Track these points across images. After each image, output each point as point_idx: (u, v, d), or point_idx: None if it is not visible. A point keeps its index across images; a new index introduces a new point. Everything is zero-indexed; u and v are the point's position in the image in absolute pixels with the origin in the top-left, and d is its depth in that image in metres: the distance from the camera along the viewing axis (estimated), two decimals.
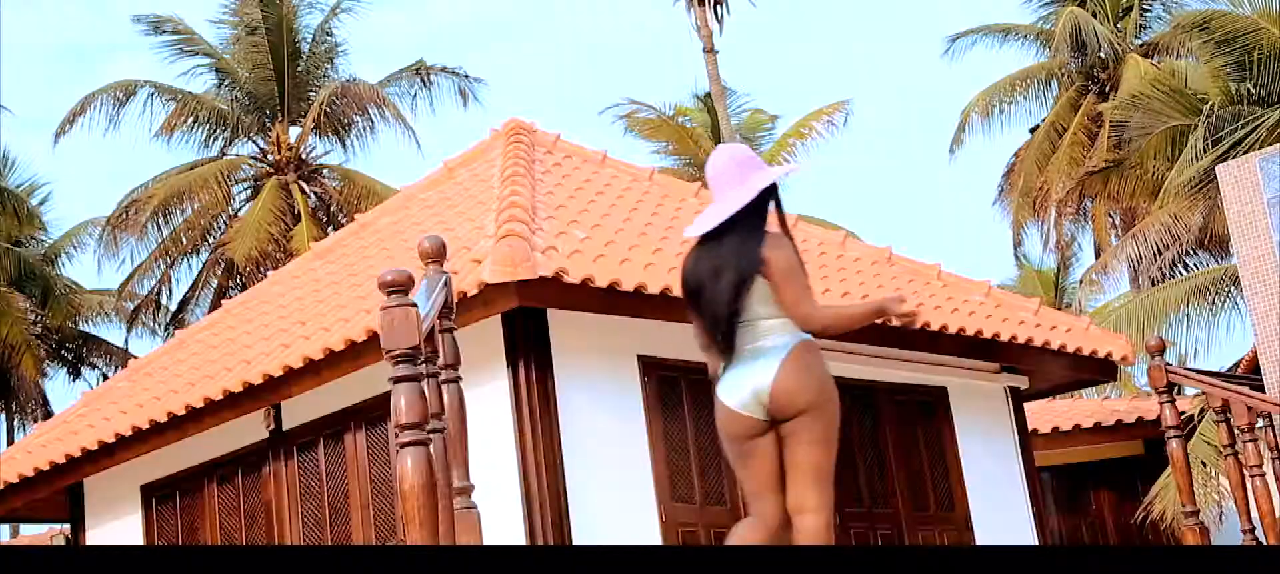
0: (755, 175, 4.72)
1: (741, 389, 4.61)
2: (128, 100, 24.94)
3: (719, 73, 26.55)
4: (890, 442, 10.21)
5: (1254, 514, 7.59)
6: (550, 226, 8.69)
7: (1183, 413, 7.79)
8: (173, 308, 25.83)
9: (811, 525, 4.63)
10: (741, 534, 4.72)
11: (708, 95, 27.73)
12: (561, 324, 8.35)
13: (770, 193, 4.78)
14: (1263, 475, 7.55)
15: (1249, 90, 15.20)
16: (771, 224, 4.79)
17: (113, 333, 27.98)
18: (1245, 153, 12.36)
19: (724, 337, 4.64)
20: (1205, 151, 15.24)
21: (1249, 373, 14.04)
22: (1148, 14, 25.52)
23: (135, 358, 13.06)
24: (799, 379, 4.55)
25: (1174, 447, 7.50)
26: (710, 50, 26.40)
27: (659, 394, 8.82)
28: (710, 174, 4.81)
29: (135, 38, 45.28)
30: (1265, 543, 7.48)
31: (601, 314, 8.34)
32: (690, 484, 8.81)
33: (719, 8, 26.69)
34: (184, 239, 25.34)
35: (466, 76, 26.20)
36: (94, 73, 72.65)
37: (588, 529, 8.02)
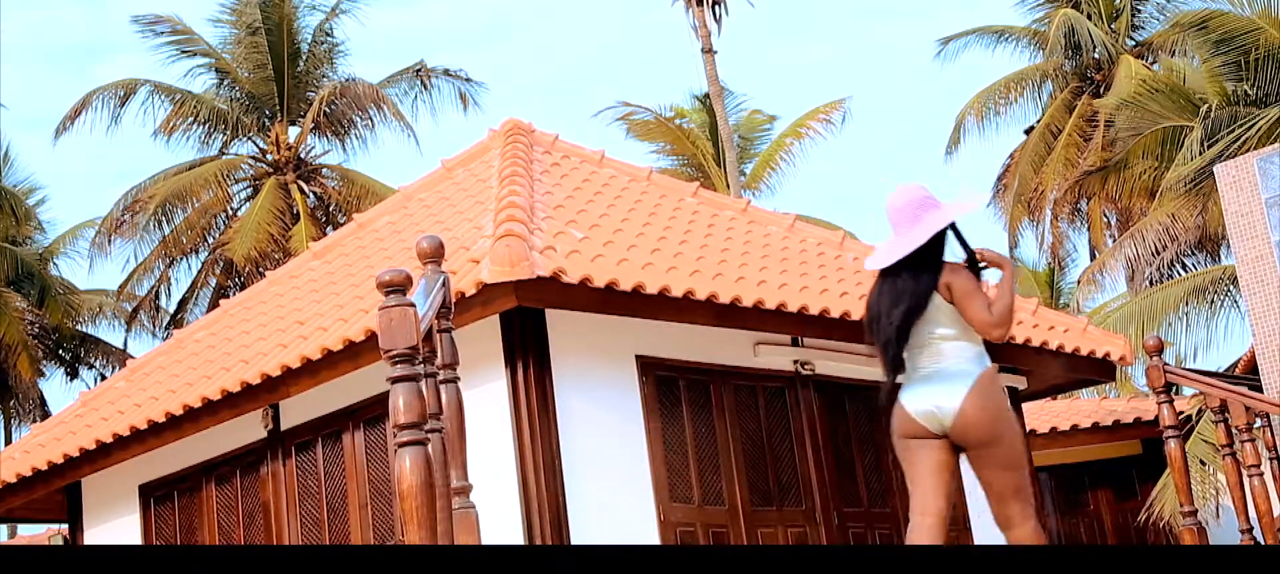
0: (929, 214, 5.24)
1: (923, 401, 5.18)
2: (128, 99, 24.95)
3: (717, 73, 26.55)
4: (888, 441, 10.20)
5: (1252, 514, 7.59)
6: (548, 226, 8.69)
7: (1181, 413, 7.78)
8: (171, 308, 25.83)
9: (1020, 535, 5.20)
10: (909, 536, 5.30)
11: (706, 95, 27.73)
12: (560, 324, 8.35)
13: (946, 227, 5.29)
14: (1260, 475, 7.55)
15: (1247, 91, 15.20)
16: (950, 254, 5.34)
17: (111, 333, 27.98)
18: (1243, 153, 12.36)
19: (893, 358, 5.21)
20: (1202, 152, 15.24)
21: (1247, 373, 14.05)
22: (1140, 15, 25.56)
23: (133, 358, 13.05)
24: (978, 414, 5.09)
25: (1172, 447, 7.50)
26: (708, 50, 26.39)
27: (657, 394, 8.82)
28: (890, 212, 5.33)
29: (134, 38, 45.26)
30: (1263, 543, 7.49)
31: (599, 314, 8.34)
32: (688, 484, 8.81)
33: (717, 8, 26.67)
34: (183, 239, 25.33)
35: (468, 80, 26.19)
36: (92, 73, 72.64)
37: (586, 529, 8.02)
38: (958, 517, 10.49)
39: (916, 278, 5.20)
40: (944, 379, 5.14)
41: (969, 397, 5.07)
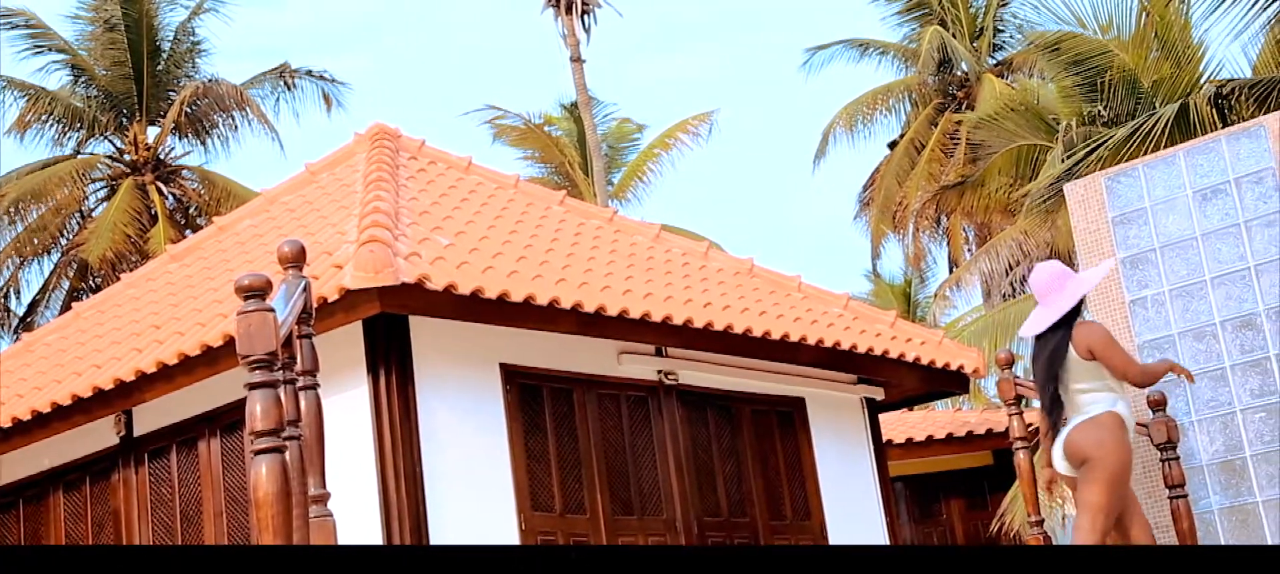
0: (1070, 283, 6.42)
1: (1057, 454, 6.28)
2: None
3: (586, 82, 26.62)
4: (749, 451, 10.34)
5: None
6: (413, 232, 8.65)
7: (1029, 425, 8.01)
8: (21, 310, 25.04)
9: (1078, 536, 6.12)
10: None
11: (574, 104, 27.79)
12: (423, 331, 8.31)
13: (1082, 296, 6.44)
14: None
15: (1100, 111, 15.67)
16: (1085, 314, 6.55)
17: None
18: (1092, 172, 12.76)
19: (1048, 409, 6.33)
20: (1059, 169, 15.67)
21: None
22: (1001, 34, 26.28)
23: None
24: (1084, 435, 6.06)
25: (1021, 457, 7.70)
26: (577, 59, 26.45)
27: (520, 402, 8.82)
28: (1035, 285, 6.53)
29: None
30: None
31: (464, 321, 8.32)
32: (550, 493, 8.83)
33: (586, 17, 26.75)
34: (35, 239, 24.57)
35: (332, 80, 25.85)
36: None
37: (446, 537, 7.99)
38: (814, 524, 10.68)
39: (1056, 336, 6.36)
40: (1073, 424, 6.21)
41: (1078, 426, 6.12)
